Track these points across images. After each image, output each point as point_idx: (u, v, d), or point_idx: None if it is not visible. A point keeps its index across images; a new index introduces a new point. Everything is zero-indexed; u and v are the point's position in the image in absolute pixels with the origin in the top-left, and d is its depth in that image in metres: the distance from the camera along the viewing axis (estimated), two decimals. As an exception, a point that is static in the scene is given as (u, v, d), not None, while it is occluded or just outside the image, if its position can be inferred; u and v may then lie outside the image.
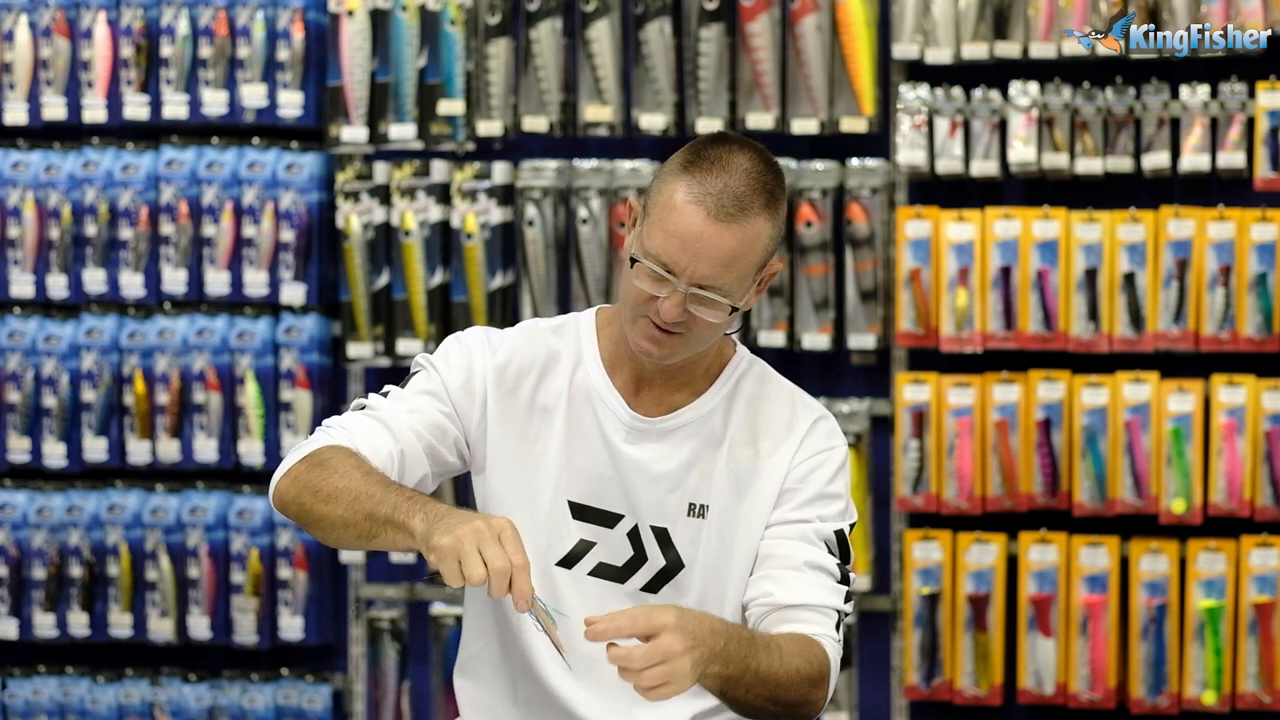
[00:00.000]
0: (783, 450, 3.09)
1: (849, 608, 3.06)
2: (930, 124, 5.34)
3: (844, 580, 3.06)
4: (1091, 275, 5.29)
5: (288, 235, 5.67)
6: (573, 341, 3.14)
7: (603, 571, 3.07)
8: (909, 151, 5.34)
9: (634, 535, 3.07)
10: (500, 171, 5.55)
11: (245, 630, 5.71)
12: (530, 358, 3.12)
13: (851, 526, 3.11)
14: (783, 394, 3.15)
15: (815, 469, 3.09)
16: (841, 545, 3.07)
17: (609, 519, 3.08)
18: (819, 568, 3.04)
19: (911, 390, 5.35)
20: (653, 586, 3.08)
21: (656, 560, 3.07)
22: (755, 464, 3.09)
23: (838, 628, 3.02)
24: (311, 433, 3.10)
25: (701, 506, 3.08)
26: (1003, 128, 5.34)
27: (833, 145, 5.49)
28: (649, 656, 2.70)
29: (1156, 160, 5.29)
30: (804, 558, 3.04)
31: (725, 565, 3.08)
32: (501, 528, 2.74)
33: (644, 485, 3.07)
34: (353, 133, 5.62)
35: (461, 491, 5.62)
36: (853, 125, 5.40)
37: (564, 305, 5.53)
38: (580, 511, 3.08)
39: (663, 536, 3.07)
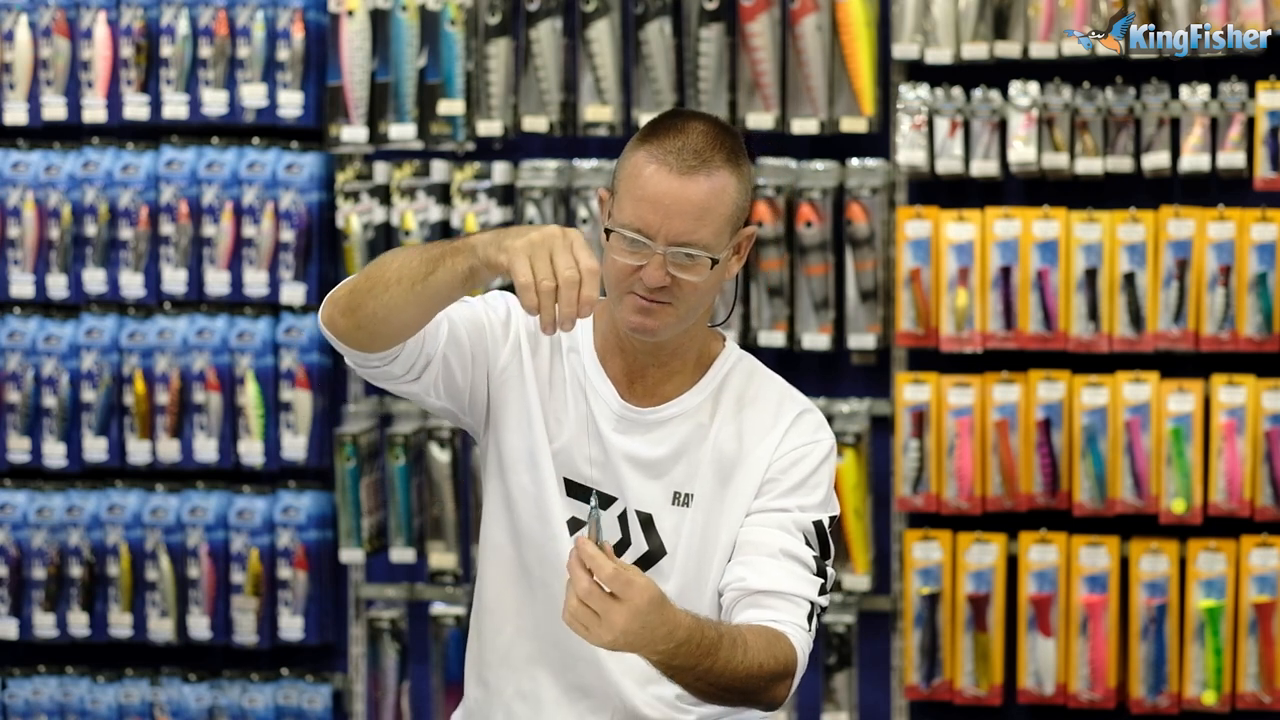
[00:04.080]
0: (767, 441, 3.13)
1: (824, 601, 3.08)
2: (930, 124, 5.35)
3: (820, 573, 3.08)
4: (1091, 275, 5.29)
5: (288, 235, 5.67)
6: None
7: None
8: (909, 151, 5.34)
9: (623, 519, 3.12)
10: (500, 171, 5.55)
11: (245, 630, 5.71)
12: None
13: (833, 519, 3.14)
14: (770, 387, 3.19)
15: (798, 460, 3.12)
16: (820, 537, 3.10)
17: (602, 500, 3.12)
18: (794, 557, 3.06)
19: (911, 390, 5.35)
20: None
21: (640, 545, 3.12)
22: (740, 454, 3.12)
23: (810, 619, 3.04)
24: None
25: (686, 495, 3.12)
26: (1003, 128, 5.34)
27: (833, 145, 5.49)
28: (591, 596, 2.74)
29: (1156, 160, 5.29)
30: (780, 545, 3.07)
31: (708, 554, 3.12)
32: (575, 236, 2.82)
33: (631, 472, 3.11)
34: (353, 133, 5.62)
35: (463, 491, 5.63)
36: (853, 125, 5.40)
37: (564, 305, 5.52)
38: (574, 489, 3.12)
39: (647, 522, 3.11)
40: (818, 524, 3.10)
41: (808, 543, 3.08)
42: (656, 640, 2.79)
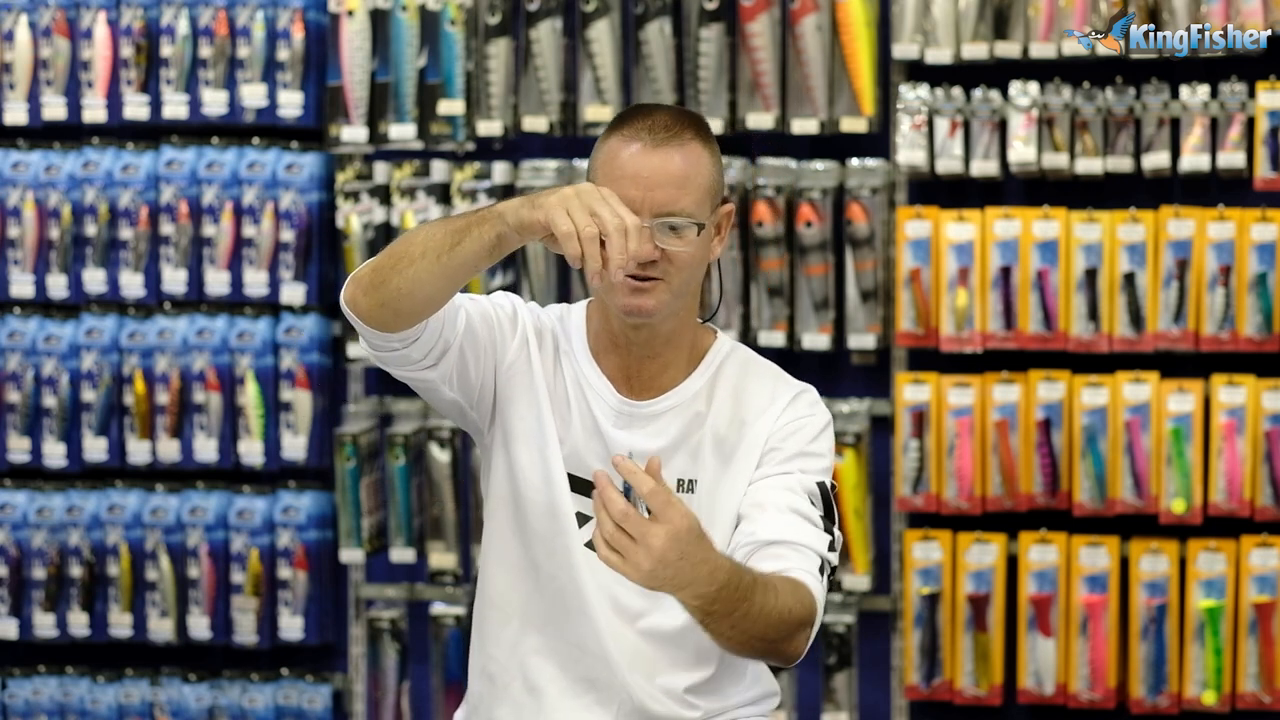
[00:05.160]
0: (765, 418, 3.16)
1: (834, 558, 3.09)
2: (930, 124, 5.35)
3: (827, 530, 3.09)
4: (1091, 275, 5.29)
5: (288, 235, 5.67)
6: (562, 329, 3.23)
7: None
8: (909, 151, 5.34)
9: None
10: (500, 171, 5.55)
11: (245, 630, 5.71)
12: (550, 329, 3.23)
13: (834, 487, 3.15)
14: (765, 373, 3.23)
15: (797, 431, 3.16)
16: (824, 498, 3.12)
17: None
18: (801, 513, 3.08)
19: (911, 390, 5.35)
20: None
21: None
22: (739, 436, 3.16)
23: (822, 572, 3.05)
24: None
25: (690, 481, 3.15)
26: (1003, 128, 5.34)
27: (833, 145, 5.49)
28: (627, 519, 2.70)
29: (1156, 160, 5.29)
30: (786, 502, 3.09)
31: (717, 536, 3.11)
32: (609, 192, 2.90)
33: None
34: (353, 133, 5.62)
35: (463, 491, 5.62)
36: (853, 125, 5.40)
37: (564, 305, 5.53)
38: (578, 484, 3.15)
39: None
40: (821, 485, 3.13)
41: (812, 502, 3.10)
42: (699, 579, 2.76)
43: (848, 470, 5.38)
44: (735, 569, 2.84)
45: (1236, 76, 5.25)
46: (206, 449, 5.71)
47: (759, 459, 3.14)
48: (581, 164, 5.53)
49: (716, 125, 5.40)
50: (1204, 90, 5.24)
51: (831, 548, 3.09)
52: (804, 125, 5.41)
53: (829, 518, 3.12)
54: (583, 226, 2.85)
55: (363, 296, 3.02)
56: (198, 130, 5.77)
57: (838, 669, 5.47)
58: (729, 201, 3.17)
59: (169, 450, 5.72)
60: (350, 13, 5.60)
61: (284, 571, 5.70)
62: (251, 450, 5.69)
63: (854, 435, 5.40)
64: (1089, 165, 5.29)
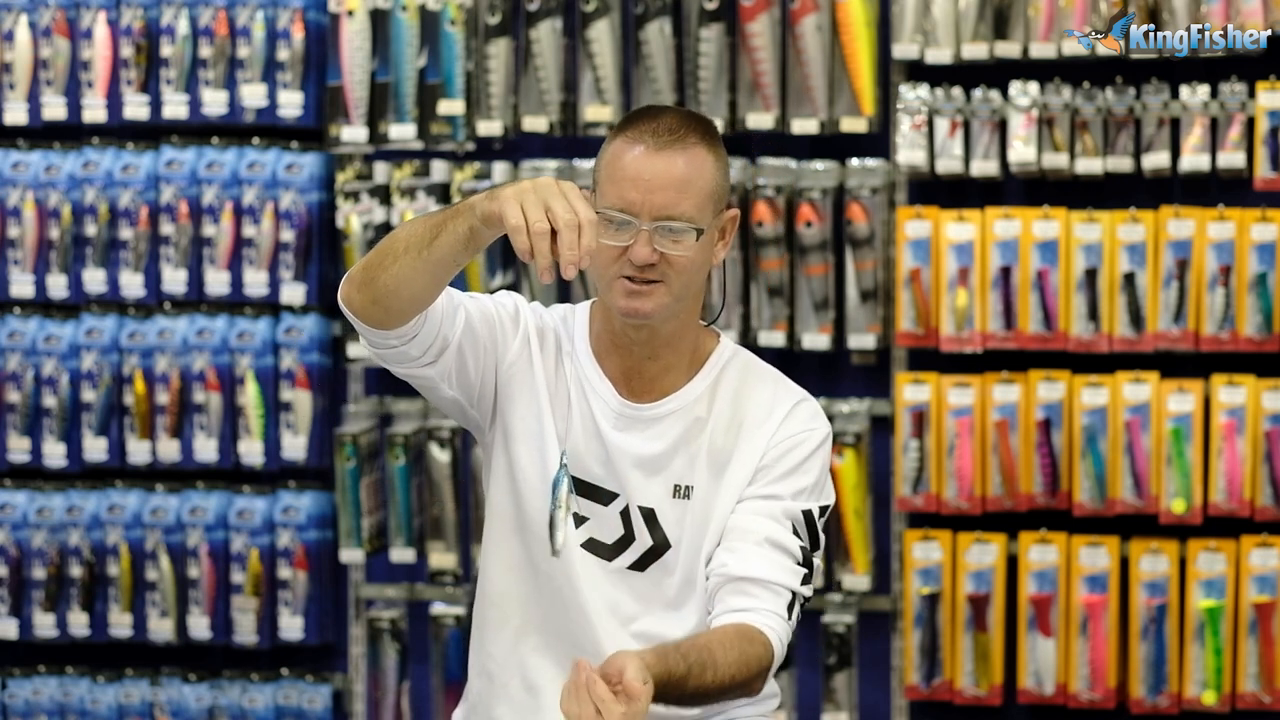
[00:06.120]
0: (763, 430, 3.17)
1: (808, 591, 3.11)
2: (930, 124, 5.35)
3: (805, 564, 3.11)
4: (1091, 275, 5.29)
5: (288, 235, 5.67)
6: (565, 329, 3.24)
7: (592, 547, 3.16)
8: (909, 151, 5.34)
9: (625, 515, 3.16)
10: (500, 171, 5.55)
11: (245, 630, 5.71)
12: (553, 329, 3.23)
13: (824, 509, 3.17)
14: (766, 379, 3.23)
15: (793, 448, 3.16)
16: (809, 527, 3.13)
17: (604, 496, 3.16)
18: (780, 546, 3.10)
19: (911, 390, 5.35)
20: (640, 565, 3.16)
21: (644, 540, 3.16)
22: (736, 444, 3.16)
23: (790, 608, 3.07)
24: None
25: (686, 488, 3.16)
26: (1003, 128, 5.34)
27: (833, 145, 5.49)
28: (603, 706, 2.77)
29: (1156, 160, 5.29)
30: (766, 534, 3.10)
31: (707, 545, 3.15)
32: (569, 187, 2.86)
33: (631, 468, 3.15)
34: (353, 133, 5.62)
35: (463, 491, 5.63)
36: (853, 125, 5.40)
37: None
38: (578, 487, 3.16)
39: (650, 517, 3.15)
40: (807, 513, 3.13)
41: (795, 532, 3.12)
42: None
43: (848, 470, 5.38)
44: (664, 669, 2.86)
45: (1236, 76, 5.25)
46: (206, 449, 5.71)
47: (752, 473, 3.15)
48: (581, 164, 5.53)
49: (716, 125, 5.41)
50: (1204, 90, 5.24)
51: (806, 581, 3.11)
52: (804, 125, 5.41)
53: (811, 547, 3.13)
54: (534, 221, 2.82)
55: (356, 294, 3.04)
56: (198, 130, 5.77)
57: (838, 669, 5.47)
58: (734, 207, 3.17)
59: (169, 450, 5.72)
60: (350, 13, 5.60)
61: (284, 571, 5.70)
62: (251, 450, 5.69)
63: (854, 435, 5.40)
64: (1089, 165, 5.29)
